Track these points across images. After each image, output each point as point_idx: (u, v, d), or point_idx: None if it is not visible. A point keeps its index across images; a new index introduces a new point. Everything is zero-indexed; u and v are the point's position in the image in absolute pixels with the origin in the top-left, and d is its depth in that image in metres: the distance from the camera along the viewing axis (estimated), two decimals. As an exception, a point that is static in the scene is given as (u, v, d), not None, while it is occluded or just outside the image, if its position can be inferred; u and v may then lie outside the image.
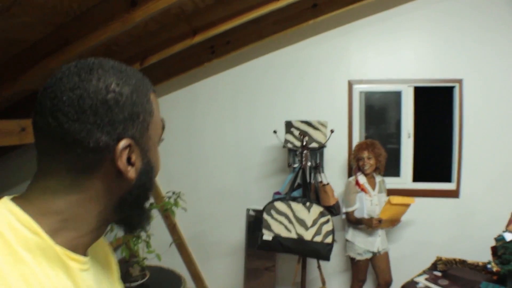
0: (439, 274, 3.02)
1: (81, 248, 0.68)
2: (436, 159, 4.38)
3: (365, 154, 3.58)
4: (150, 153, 0.72)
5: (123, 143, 0.64)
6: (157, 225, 4.24)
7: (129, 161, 0.66)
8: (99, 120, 0.62)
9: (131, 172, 0.67)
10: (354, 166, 3.72)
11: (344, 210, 3.65)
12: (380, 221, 3.37)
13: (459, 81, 3.93)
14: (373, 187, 3.61)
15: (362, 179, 3.61)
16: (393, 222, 3.55)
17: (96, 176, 0.65)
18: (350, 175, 4.03)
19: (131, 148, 0.66)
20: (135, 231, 0.78)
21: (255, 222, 4.09)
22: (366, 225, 3.46)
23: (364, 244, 3.56)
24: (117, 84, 0.65)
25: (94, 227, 0.69)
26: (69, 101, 0.61)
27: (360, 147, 3.64)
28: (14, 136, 2.88)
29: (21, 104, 3.26)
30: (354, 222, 3.57)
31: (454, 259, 3.12)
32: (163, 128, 0.77)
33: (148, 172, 0.72)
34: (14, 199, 0.64)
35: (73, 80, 0.63)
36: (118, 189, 0.68)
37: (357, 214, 3.55)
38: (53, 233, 0.62)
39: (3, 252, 0.56)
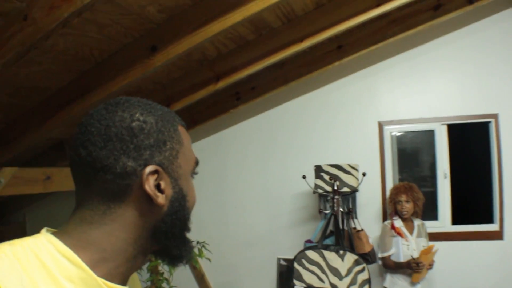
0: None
1: (120, 278, 0.69)
2: (476, 199, 4.18)
3: (403, 197, 3.39)
4: (181, 182, 0.72)
5: (149, 168, 0.66)
6: (184, 276, 4.09)
7: (159, 188, 0.68)
8: (125, 146, 0.65)
9: (161, 199, 0.67)
10: (390, 210, 3.53)
11: (379, 255, 3.44)
12: (418, 264, 3.13)
13: (495, 116, 3.78)
14: (411, 232, 3.40)
15: (398, 223, 3.42)
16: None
17: (127, 203, 0.67)
18: (385, 220, 3.83)
19: (159, 175, 0.67)
20: (176, 263, 0.77)
21: (286, 272, 3.91)
22: (408, 268, 3.21)
23: (403, 293, 3.31)
24: (142, 113, 0.68)
25: (130, 256, 0.69)
26: (97, 131, 0.65)
27: (398, 190, 3.46)
28: (39, 184, 2.90)
29: (47, 154, 3.29)
30: (392, 267, 3.34)
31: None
32: (197, 163, 0.79)
33: (180, 200, 0.72)
34: (53, 233, 0.66)
35: (101, 113, 0.67)
36: (151, 216, 0.69)
37: (393, 260, 3.35)
38: (93, 264, 0.64)
39: (47, 281, 0.59)
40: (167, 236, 0.72)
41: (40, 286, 0.58)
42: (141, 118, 0.67)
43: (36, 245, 0.62)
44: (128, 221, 0.67)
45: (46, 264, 0.60)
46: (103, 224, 0.66)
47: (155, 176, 0.67)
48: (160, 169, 0.67)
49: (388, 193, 3.65)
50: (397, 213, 3.46)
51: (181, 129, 0.75)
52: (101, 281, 0.64)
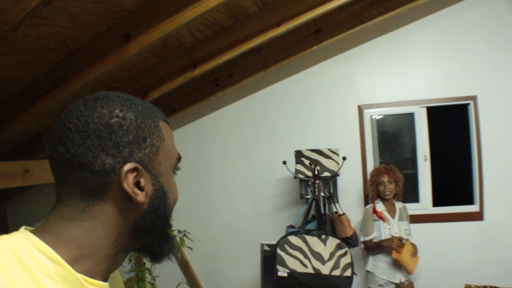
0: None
1: (100, 275, 0.68)
2: (456, 181, 4.22)
3: (386, 178, 3.43)
4: (162, 178, 0.71)
5: (128, 166, 0.65)
6: (167, 265, 4.06)
7: (138, 186, 0.67)
8: (103, 143, 0.64)
9: (140, 196, 0.67)
10: (372, 193, 3.56)
11: (362, 239, 3.48)
12: (401, 240, 3.19)
13: (473, 98, 3.81)
14: (393, 215, 3.44)
15: (380, 206, 3.45)
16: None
17: (106, 201, 0.66)
18: (366, 203, 3.86)
19: (139, 172, 0.67)
20: (158, 260, 0.76)
21: (270, 258, 3.93)
22: (387, 246, 3.26)
23: (385, 275, 3.35)
24: (121, 110, 0.67)
25: (111, 254, 0.69)
26: (75, 128, 0.64)
27: (380, 171, 3.50)
28: (17, 178, 2.85)
29: (25, 146, 3.24)
30: (374, 248, 3.39)
31: (485, 286, 2.91)
32: (179, 159, 0.78)
33: (161, 197, 0.71)
34: (31, 231, 0.65)
35: (79, 109, 0.66)
36: (130, 214, 0.68)
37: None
38: (72, 261, 0.63)
39: (25, 278, 0.58)
40: (148, 234, 0.71)
41: (18, 284, 0.57)
42: (120, 115, 0.66)
43: (13, 243, 0.61)
44: (107, 219, 0.67)
45: (24, 261, 0.59)
46: (82, 221, 0.65)
47: (134, 173, 0.66)
48: (139, 166, 0.67)
49: (368, 176, 3.68)
50: (379, 196, 3.49)
51: (163, 125, 0.74)
52: (80, 277, 0.63)
